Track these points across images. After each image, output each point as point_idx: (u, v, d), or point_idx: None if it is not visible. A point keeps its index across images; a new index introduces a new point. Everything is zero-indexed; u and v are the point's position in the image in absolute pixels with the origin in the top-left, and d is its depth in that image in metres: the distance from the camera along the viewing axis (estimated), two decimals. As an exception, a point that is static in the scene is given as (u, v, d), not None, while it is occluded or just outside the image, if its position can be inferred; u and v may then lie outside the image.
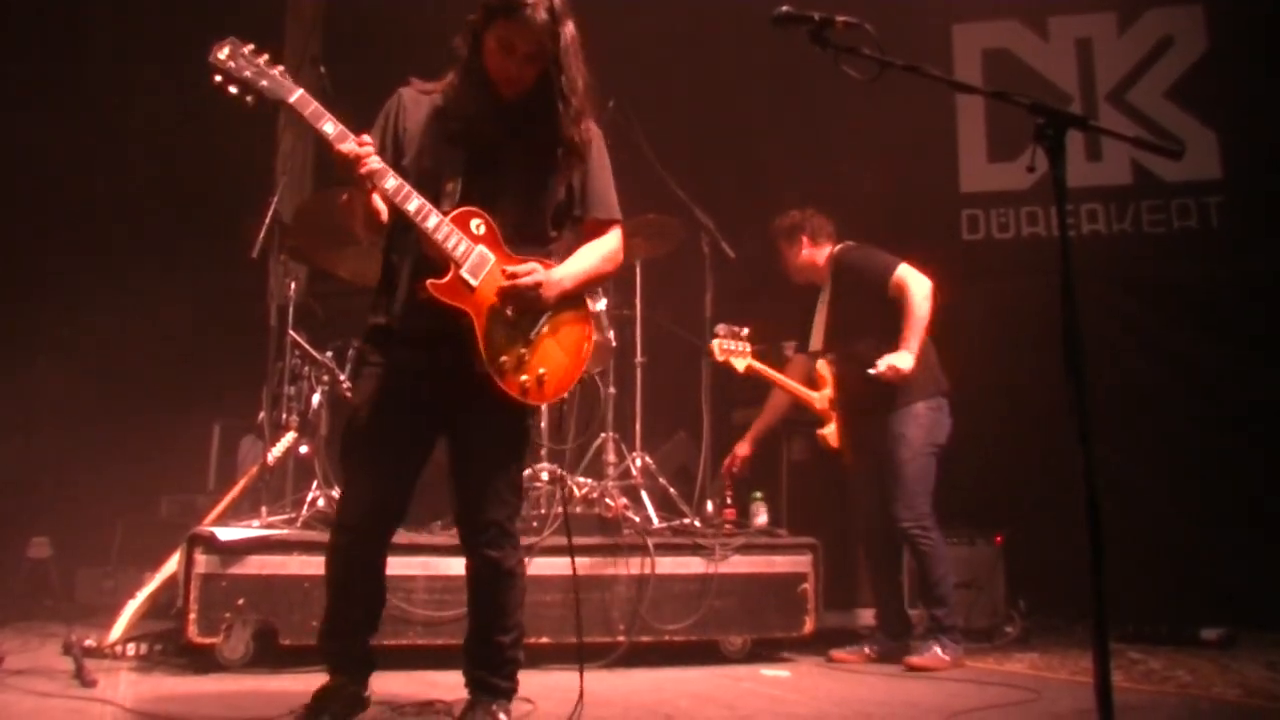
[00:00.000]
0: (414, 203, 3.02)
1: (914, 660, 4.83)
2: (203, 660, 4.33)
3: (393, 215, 3.16)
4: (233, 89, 2.91)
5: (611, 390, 5.86)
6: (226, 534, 4.41)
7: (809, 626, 5.03)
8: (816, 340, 5.49)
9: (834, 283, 5.40)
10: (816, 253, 5.47)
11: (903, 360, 4.97)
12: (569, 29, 3.24)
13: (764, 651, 5.02)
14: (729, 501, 5.63)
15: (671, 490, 5.62)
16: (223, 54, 2.91)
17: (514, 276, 3.11)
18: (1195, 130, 7.20)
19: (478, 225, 3.13)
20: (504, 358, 3.12)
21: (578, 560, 4.71)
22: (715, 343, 5.42)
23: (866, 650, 5.09)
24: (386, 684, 3.80)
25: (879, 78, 2.68)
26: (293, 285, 5.55)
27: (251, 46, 2.95)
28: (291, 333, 5.52)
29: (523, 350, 3.16)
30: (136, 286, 7.33)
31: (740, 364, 5.41)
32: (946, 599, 4.96)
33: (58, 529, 6.44)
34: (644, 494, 5.53)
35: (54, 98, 7.17)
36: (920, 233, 7.12)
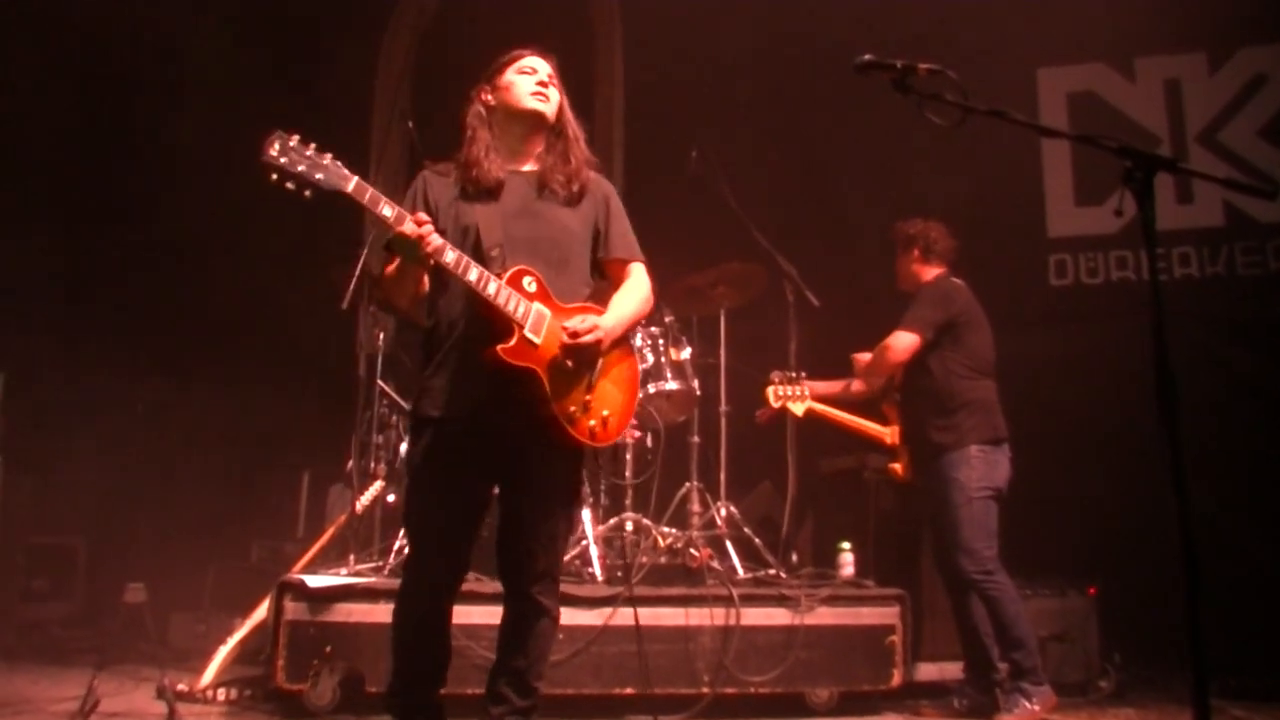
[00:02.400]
0: (474, 272, 3.14)
1: (1004, 719, 4.72)
2: (290, 706, 4.39)
3: (432, 283, 3.35)
4: (289, 184, 2.94)
5: (696, 439, 5.85)
6: (315, 581, 4.47)
7: (897, 679, 4.92)
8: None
9: None
10: (924, 270, 5.40)
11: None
12: (564, 97, 3.53)
13: (851, 704, 4.92)
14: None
15: (756, 540, 5.57)
16: (274, 150, 2.92)
17: (576, 334, 3.23)
18: (1291, 170, 7.02)
19: (529, 283, 3.26)
20: (572, 407, 3.25)
21: (663, 610, 4.74)
22: (770, 389, 5.39)
23: (955, 703, 4.98)
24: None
25: (963, 123, 2.67)
26: (381, 336, 5.65)
27: (298, 138, 2.97)
28: (380, 382, 5.61)
29: (587, 397, 3.30)
30: (229, 337, 7.52)
31: (798, 408, 5.38)
32: (1023, 641, 4.81)
33: (153, 575, 6.57)
34: (728, 544, 5.48)
35: (146, 156, 7.41)
36: (1007, 278, 7.03)
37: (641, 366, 5.62)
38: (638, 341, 5.65)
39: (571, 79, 3.57)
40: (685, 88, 8.00)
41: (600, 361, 3.35)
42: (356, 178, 3.03)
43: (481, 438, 3.23)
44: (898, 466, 5.38)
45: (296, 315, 7.29)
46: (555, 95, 3.48)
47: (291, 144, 2.94)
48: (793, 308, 5.87)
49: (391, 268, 3.30)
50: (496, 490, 3.42)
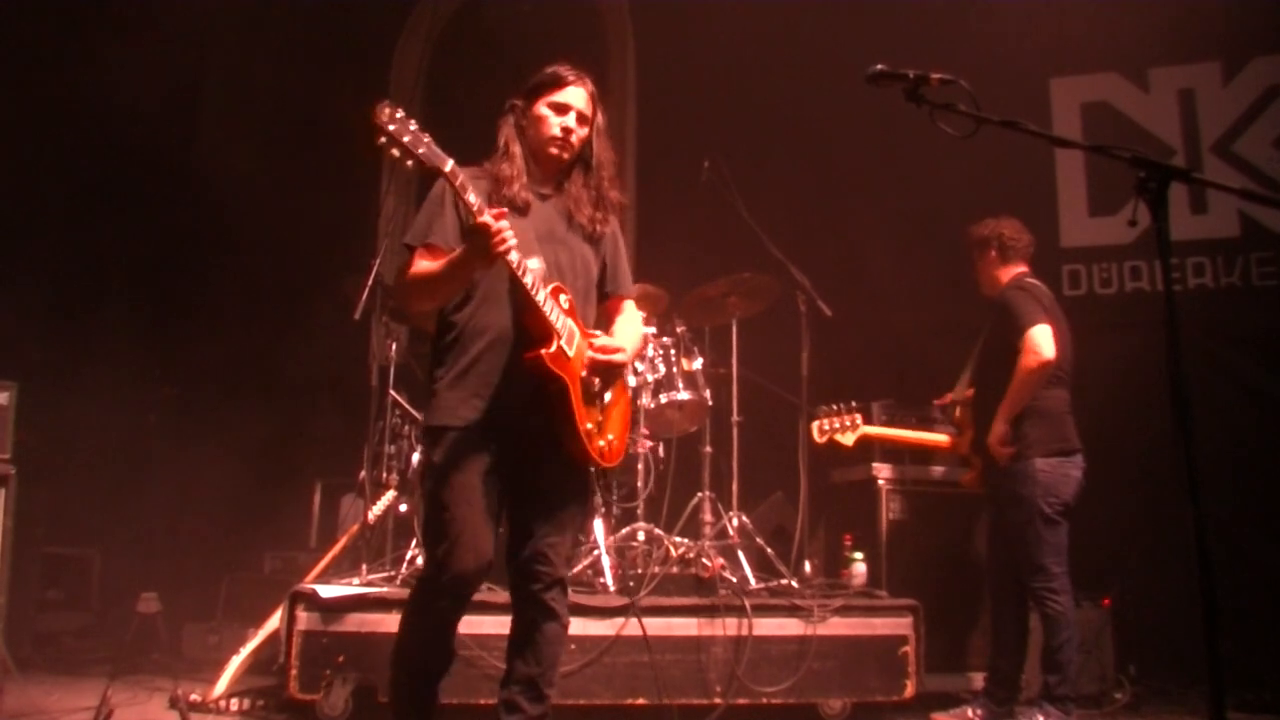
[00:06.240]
0: (529, 276, 3.17)
1: (1020, 725, 4.69)
2: (303, 716, 4.39)
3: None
4: (395, 151, 2.95)
5: (708, 449, 5.85)
6: (327, 591, 4.48)
7: (910, 690, 4.90)
8: (965, 377, 5.42)
9: (993, 316, 5.20)
10: (1004, 271, 5.25)
11: (995, 431, 4.91)
12: (601, 117, 3.56)
13: (863, 715, 4.91)
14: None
15: (769, 550, 5.56)
16: (385, 116, 2.93)
17: (605, 349, 3.35)
18: (1307, 180, 6.99)
19: (565, 300, 3.33)
20: (589, 424, 3.33)
21: (675, 620, 4.73)
22: (815, 424, 5.35)
23: (969, 714, 4.95)
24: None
25: (975, 134, 2.66)
26: (394, 346, 5.66)
27: (403, 111, 2.99)
28: (392, 393, 5.62)
29: (599, 417, 3.40)
30: (242, 349, 7.54)
31: (848, 438, 5.32)
32: (1063, 666, 4.73)
33: (166, 585, 6.59)
34: (741, 554, 5.47)
35: (158, 168, 7.44)
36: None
37: (653, 377, 5.63)
38: (650, 352, 5.66)
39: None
40: (697, 98, 8.01)
41: (611, 387, 3.49)
42: (453, 159, 3.05)
43: (499, 445, 3.25)
44: (968, 478, 5.34)
45: (309, 325, 7.31)
46: (579, 137, 3.47)
47: (399, 115, 2.96)
48: (805, 318, 5.86)
49: (434, 265, 3.24)
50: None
